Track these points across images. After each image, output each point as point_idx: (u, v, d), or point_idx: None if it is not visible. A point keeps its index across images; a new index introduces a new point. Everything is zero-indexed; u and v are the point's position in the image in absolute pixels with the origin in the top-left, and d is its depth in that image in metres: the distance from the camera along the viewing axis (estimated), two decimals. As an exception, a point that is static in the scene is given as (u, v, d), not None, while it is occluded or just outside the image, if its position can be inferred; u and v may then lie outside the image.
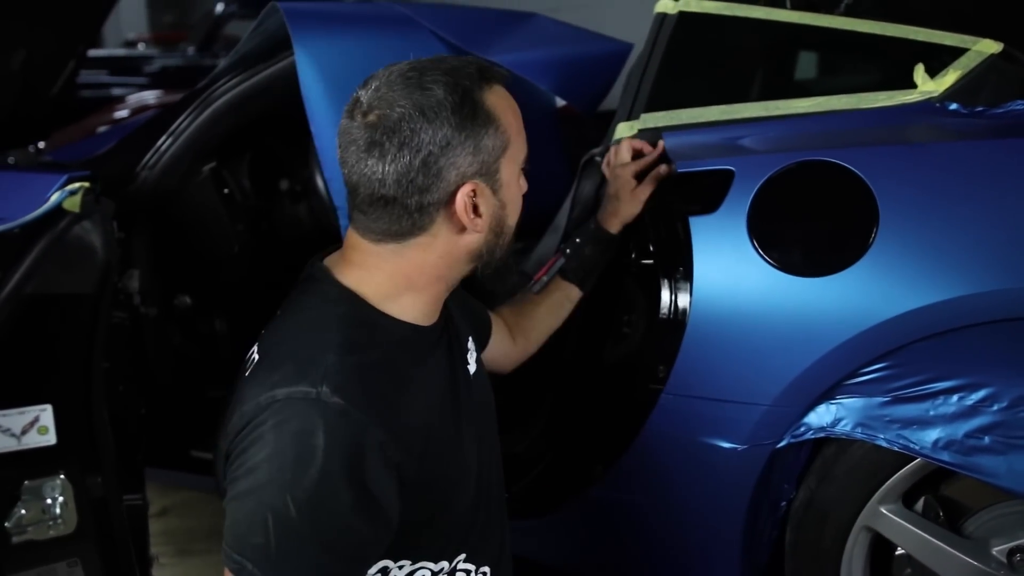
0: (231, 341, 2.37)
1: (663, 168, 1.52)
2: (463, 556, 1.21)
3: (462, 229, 1.10)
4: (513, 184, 1.15)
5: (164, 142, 2.00)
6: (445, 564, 1.19)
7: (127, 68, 6.44)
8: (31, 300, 1.01)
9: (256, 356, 1.10)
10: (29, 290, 1.00)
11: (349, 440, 1.00)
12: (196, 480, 2.26)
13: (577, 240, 1.60)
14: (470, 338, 1.32)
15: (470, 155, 1.07)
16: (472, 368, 1.29)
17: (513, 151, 1.13)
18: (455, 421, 1.18)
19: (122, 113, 3.90)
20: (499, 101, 1.11)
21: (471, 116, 1.07)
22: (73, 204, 1.01)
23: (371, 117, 1.05)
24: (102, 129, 3.47)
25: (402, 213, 1.07)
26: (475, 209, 1.10)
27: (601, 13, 4.70)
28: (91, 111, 3.98)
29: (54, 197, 1.01)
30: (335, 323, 1.08)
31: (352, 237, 1.13)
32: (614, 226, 1.57)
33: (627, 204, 1.55)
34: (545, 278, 1.59)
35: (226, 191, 2.28)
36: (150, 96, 4.53)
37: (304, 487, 0.97)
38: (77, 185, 1.02)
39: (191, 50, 7.07)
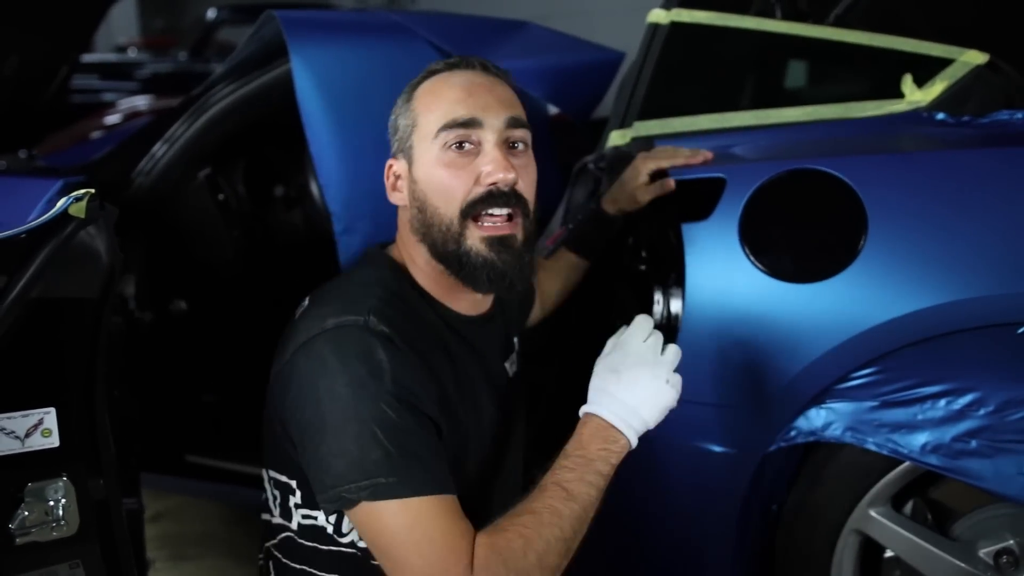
0: (226, 346, 2.38)
1: (671, 182, 1.52)
2: None
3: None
4: (426, 162, 1.19)
5: (159, 148, 2.01)
6: None
7: (118, 73, 6.43)
8: (36, 305, 1.02)
9: (306, 303, 1.21)
10: (34, 295, 1.01)
11: (403, 356, 1.10)
12: (191, 485, 2.26)
13: (579, 217, 1.69)
14: (515, 339, 1.41)
15: (392, 136, 1.26)
16: (511, 370, 1.37)
17: (422, 128, 1.19)
18: (485, 416, 1.26)
19: (113, 118, 3.89)
20: (435, 82, 1.22)
21: (404, 101, 1.24)
22: (79, 210, 1.02)
23: None
24: (95, 135, 3.46)
25: None
26: (396, 183, 1.25)
27: (593, 22, 4.74)
28: (82, 116, 3.97)
29: (60, 203, 1.02)
30: (381, 282, 1.20)
31: None
32: (612, 210, 1.61)
33: (626, 195, 1.57)
34: (551, 247, 1.71)
35: (221, 197, 2.30)
36: (141, 101, 4.52)
37: (389, 391, 1.06)
38: (83, 191, 1.03)
39: (183, 55, 7.07)
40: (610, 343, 1.23)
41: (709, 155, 1.53)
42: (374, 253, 1.29)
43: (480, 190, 1.16)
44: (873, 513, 1.49)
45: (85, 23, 2.98)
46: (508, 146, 1.19)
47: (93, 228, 1.04)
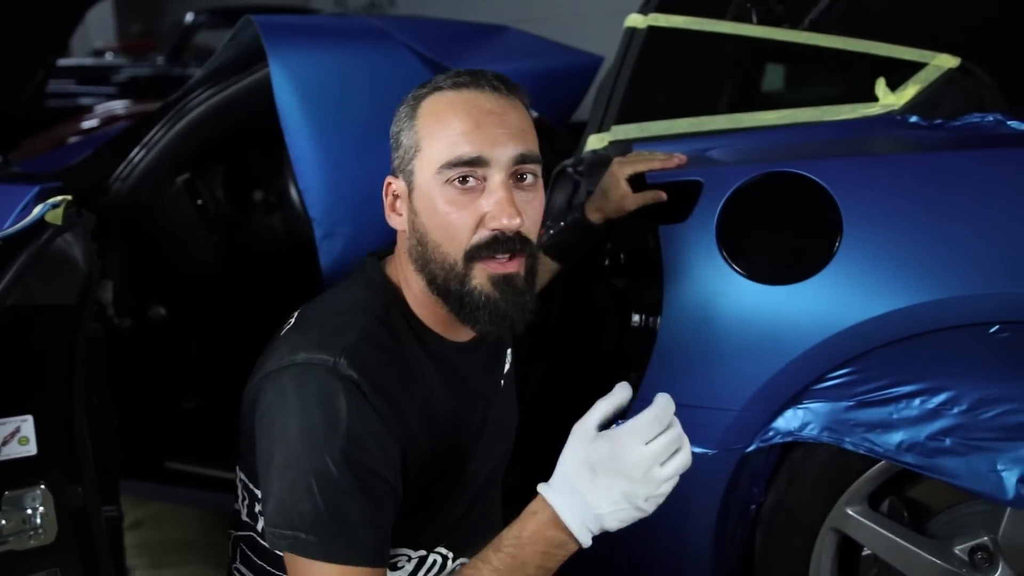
0: (205, 352, 2.37)
1: (662, 193, 1.50)
2: (444, 545, 1.26)
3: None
4: (427, 193, 1.10)
5: (137, 153, 2.00)
6: (423, 551, 1.24)
7: (95, 77, 6.39)
8: (13, 312, 1.02)
9: (292, 320, 1.17)
10: (11, 302, 1.01)
11: (366, 407, 1.05)
12: (171, 492, 2.25)
13: (561, 223, 1.65)
14: (509, 350, 1.37)
15: (394, 151, 1.16)
16: (502, 384, 1.33)
17: (424, 156, 1.10)
18: (461, 440, 1.22)
19: (90, 123, 3.87)
20: (440, 102, 1.11)
21: (407, 116, 1.14)
22: (55, 216, 1.02)
23: None
24: (72, 139, 3.44)
25: None
26: (395, 204, 1.17)
27: (571, 26, 4.75)
28: (59, 121, 3.94)
29: (36, 209, 1.01)
30: (369, 311, 1.14)
31: None
32: (596, 219, 1.57)
33: (611, 204, 1.54)
34: None
35: (200, 202, 2.29)
36: (118, 106, 4.49)
37: (339, 446, 1.02)
38: (60, 198, 1.03)
39: (160, 60, 7.03)
40: (600, 410, 1.04)
41: (683, 158, 1.54)
42: (370, 268, 1.21)
43: (484, 234, 1.09)
44: (850, 512, 1.51)
45: (61, 26, 2.96)
46: (516, 178, 1.11)
47: (70, 234, 1.04)
